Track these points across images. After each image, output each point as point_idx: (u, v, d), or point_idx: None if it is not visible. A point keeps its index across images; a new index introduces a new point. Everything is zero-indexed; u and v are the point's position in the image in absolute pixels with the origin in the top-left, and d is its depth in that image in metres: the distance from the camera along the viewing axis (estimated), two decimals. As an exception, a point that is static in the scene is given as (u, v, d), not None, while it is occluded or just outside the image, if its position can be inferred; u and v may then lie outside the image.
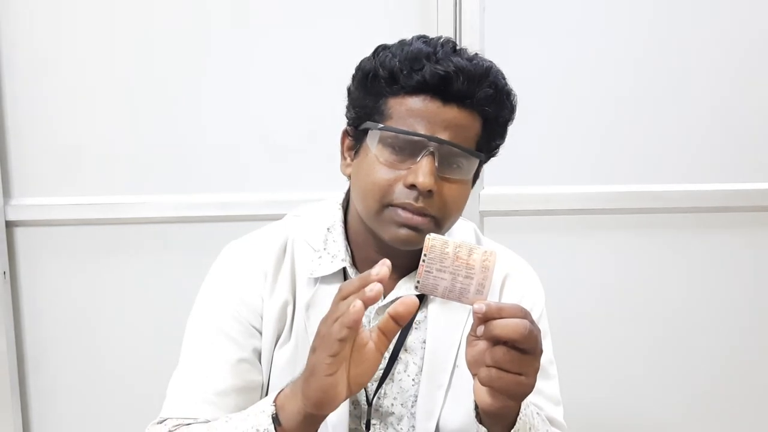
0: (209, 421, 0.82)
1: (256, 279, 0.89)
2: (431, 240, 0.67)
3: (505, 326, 0.65)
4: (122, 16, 1.49)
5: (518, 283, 0.96)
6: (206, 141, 1.52)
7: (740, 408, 1.68)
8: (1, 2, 1.47)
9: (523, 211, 1.56)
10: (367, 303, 0.63)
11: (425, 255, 0.67)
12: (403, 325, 0.67)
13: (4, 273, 1.53)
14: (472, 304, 0.67)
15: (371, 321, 0.89)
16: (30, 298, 1.57)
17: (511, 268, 0.96)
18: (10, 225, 1.54)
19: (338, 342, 0.64)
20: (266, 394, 0.89)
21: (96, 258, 1.55)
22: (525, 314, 0.66)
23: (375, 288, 0.63)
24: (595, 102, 1.55)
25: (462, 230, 0.98)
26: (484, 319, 0.66)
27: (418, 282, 0.68)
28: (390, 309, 0.66)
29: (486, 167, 1.53)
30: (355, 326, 0.64)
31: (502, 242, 1.05)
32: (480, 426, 0.75)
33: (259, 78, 1.52)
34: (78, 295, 1.57)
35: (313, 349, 0.68)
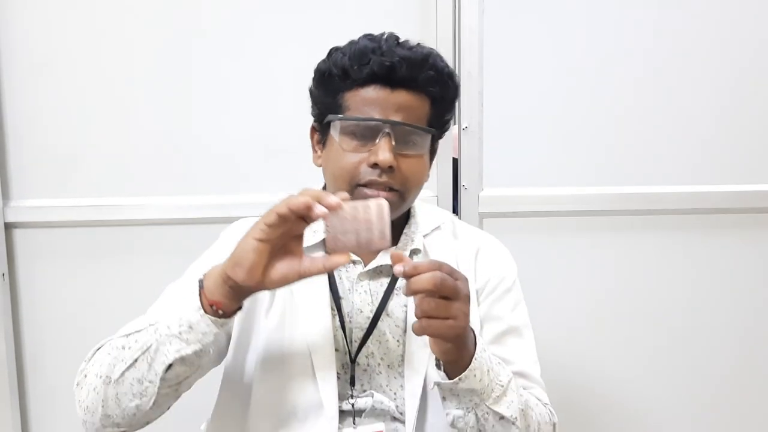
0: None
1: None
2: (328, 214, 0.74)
3: (420, 280, 0.74)
4: (120, 19, 1.49)
5: (490, 256, 1.04)
6: (204, 143, 1.52)
7: (746, 409, 1.67)
8: (0, 6, 1.47)
9: (523, 212, 1.56)
10: (323, 206, 0.72)
11: (327, 226, 0.74)
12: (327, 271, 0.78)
13: (3, 275, 1.53)
14: (379, 249, 0.75)
15: (354, 284, 0.96)
16: (29, 300, 1.57)
17: (483, 243, 1.06)
18: (9, 227, 1.54)
19: (277, 215, 0.73)
20: (258, 367, 0.94)
21: (95, 259, 1.55)
22: (438, 267, 0.75)
23: (332, 199, 0.72)
24: (596, 103, 1.55)
25: (436, 216, 1.06)
26: (405, 278, 0.74)
27: (327, 248, 0.75)
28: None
29: (485, 169, 1.55)
30: (294, 212, 0.72)
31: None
32: (440, 371, 0.83)
33: (256, 80, 1.52)
34: (77, 297, 1.57)
35: (258, 222, 0.75)
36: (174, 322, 0.78)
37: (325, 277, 0.95)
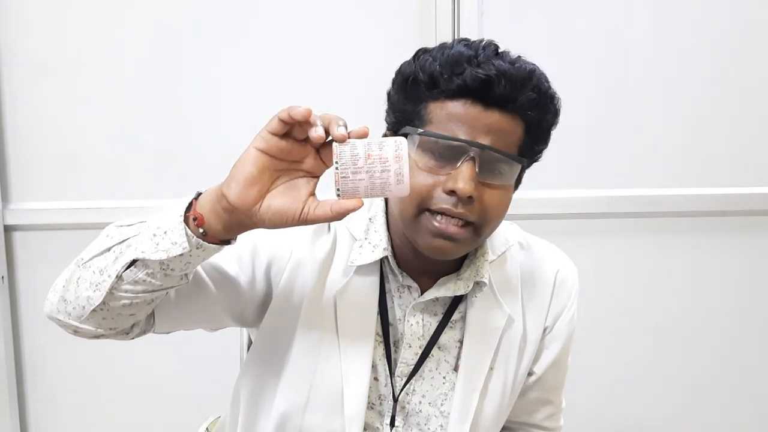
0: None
1: (292, 232, 0.84)
2: (338, 147, 0.67)
3: None
4: (121, 20, 1.49)
5: (568, 287, 0.96)
6: (203, 146, 1.52)
7: (747, 410, 1.68)
8: (0, 7, 1.47)
9: (521, 215, 1.55)
10: (327, 131, 0.66)
11: (336, 162, 0.67)
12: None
13: (3, 277, 1.53)
14: (396, 196, 0.68)
15: (406, 314, 0.88)
16: (28, 303, 1.57)
17: (561, 265, 0.97)
18: (8, 229, 1.54)
19: (278, 120, 0.67)
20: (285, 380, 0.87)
21: (94, 262, 1.55)
22: None
23: (341, 130, 0.66)
24: (594, 106, 1.55)
25: (504, 236, 0.96)
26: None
27: (338, 190, 0.67)
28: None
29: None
30: (293, 118, 0.66)
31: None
32: None
33: (258, 81, 1.52)
34: (76, 300, 1.56)
35: (260, 131, 0.71)
36: (155, 222, 0.72)
37: (375, 298, 0.87)
